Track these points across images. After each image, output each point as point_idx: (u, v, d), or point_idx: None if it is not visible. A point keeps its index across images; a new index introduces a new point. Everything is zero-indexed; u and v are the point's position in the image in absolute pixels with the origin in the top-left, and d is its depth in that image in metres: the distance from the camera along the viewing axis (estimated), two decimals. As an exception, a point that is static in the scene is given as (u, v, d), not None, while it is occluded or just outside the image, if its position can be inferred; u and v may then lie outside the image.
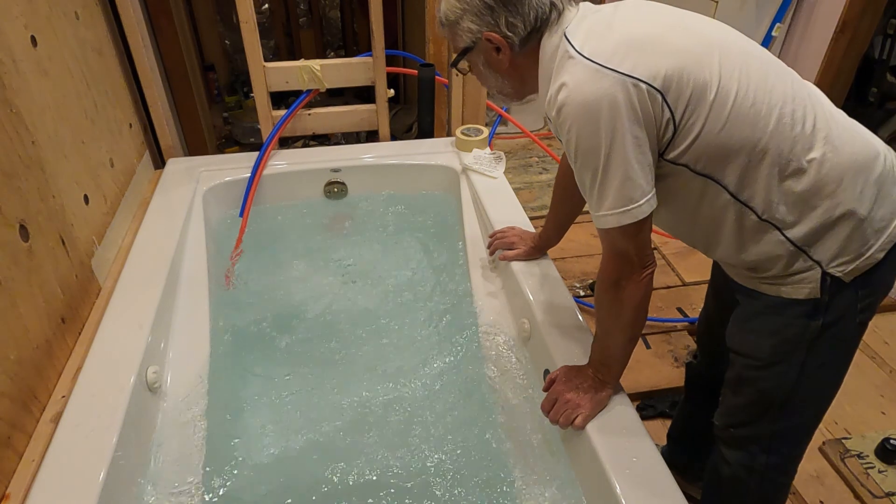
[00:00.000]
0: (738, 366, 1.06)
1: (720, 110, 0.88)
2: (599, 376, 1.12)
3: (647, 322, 1.60)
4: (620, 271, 0.99)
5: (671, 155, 0.92)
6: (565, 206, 1.40)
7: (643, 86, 0.86)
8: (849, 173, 0.89)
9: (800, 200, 0.90)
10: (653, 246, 1.02)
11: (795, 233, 0.92)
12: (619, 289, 1.00)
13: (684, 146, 0.90)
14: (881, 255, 0.91)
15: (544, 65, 0.99)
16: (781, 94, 0.90)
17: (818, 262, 0.92)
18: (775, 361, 0.99)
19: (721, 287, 1.16)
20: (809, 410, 1.06)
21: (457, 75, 1.15)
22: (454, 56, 1.08)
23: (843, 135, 0.91)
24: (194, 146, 2.23)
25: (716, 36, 0.93)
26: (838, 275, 0.92)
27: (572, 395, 1.12)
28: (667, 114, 0.88)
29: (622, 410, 1.14)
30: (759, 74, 0.90)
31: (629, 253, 0.96)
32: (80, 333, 1.36)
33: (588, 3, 1.01)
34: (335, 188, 2.06)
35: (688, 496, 1.01)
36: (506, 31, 0.98)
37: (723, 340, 1.09)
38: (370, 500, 1.22)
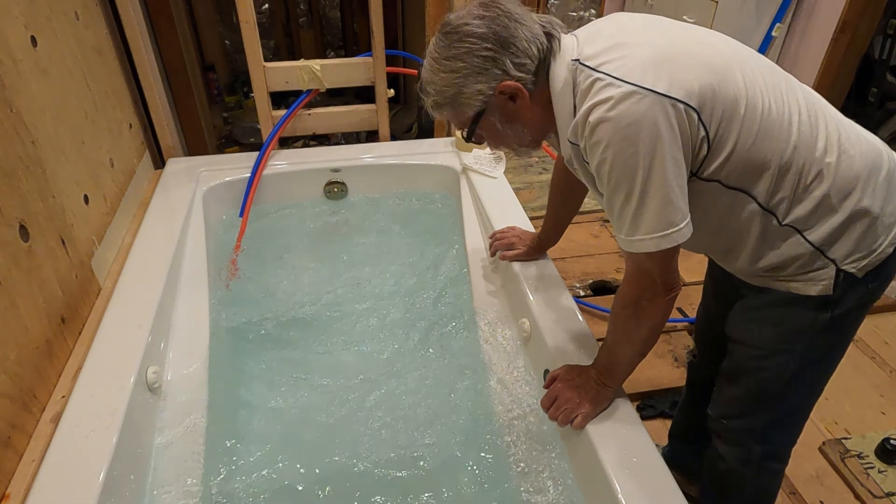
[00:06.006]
0: (737, 356, 1.06)
1: (751, 124, 0.88)
2: (602, 379, 1.12)
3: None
4: (642, 293, 0.97)
5: (705, 173, 0.91)
6: (563, 206, 1.40)
7: (681, 105, 0.84)
8: (863, 173, 0.90)
9: (820, 203, 0.91)
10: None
11: (815, 235, 0.92)
12: (638, 309, 0.99)
13: (718, 163, 0.89)
14: (891, 249, 0.93)
15: (558, 95, 0.95)
16: (795, 101, 0.91)
17: (833, 260, 0.93)
18: (777, 351, 1.00)
19: (722, 283, 1.16)
20: (804, 398, 1.07)
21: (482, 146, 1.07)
22: (463, 130, 1.02)
23: (851, 136, 0.92)
24: (194, 146, 2.23)
25: (729, 49, 0.93)
26: (852, 271, 0.93)
27: (573, 394, 1.12)
28: (702, 132, 0.87)
29: (622, 410, 1.14)
30: (773, 84, 0.91)
31: (654, 275, 0.95)
32: (80, 333, 1.36)
33: (584, 28, 0.99)
34: (335, 188, 2.06)
35: (688, 496, 1.01)
36: (517, 73, 0.93)
37: (724, 335, 1.10)
38: (370, 499, 1.22)
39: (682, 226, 0.89)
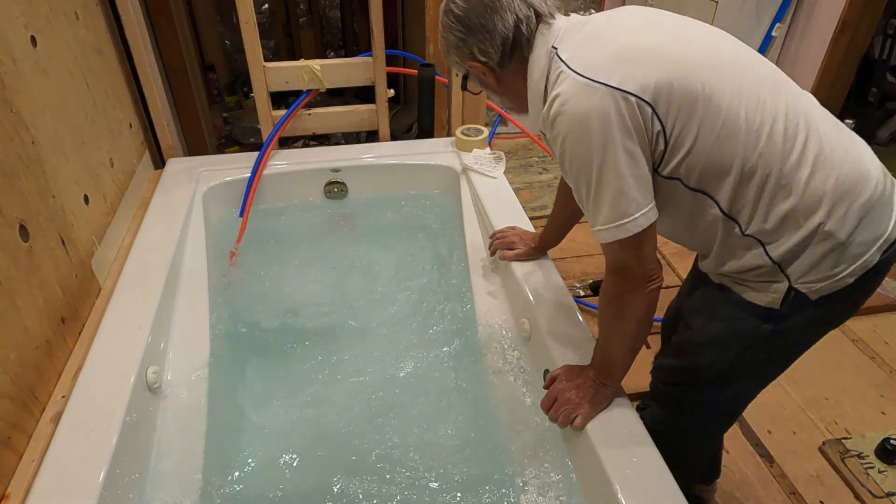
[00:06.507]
0: (683, 334, 1.10)
1: (712, 124, 0.87)
2: (601, 379, 1.12)
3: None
4: (622, 285, 0.98)
5: (665, 170, 0.92)
6: (567, 209, 1.40)
7: (633, 99, 0.86)
8: (834, 196, 0.88)
9: (785, 219, 0.89)
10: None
11: (776, 249, 0.91)
12: (621, 303, 0.99)
13: (677, 160, 0.90)
14: (851, 279, 0.91)
15: (533, 83, 1.00)
16: (773, 109, 0.88)
17: (787, 277, 0.92)
18: (716, 343, 1.02)
19: (699, 278, 1.16)
20: (737, 393, 1.10)
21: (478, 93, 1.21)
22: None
23: (834, 156, 0.89)
24: (194, 146, 2.23)
25: (711, 46, 0.92)
26: (804, 291, 0.92)
27: (572, 394, 1.13)
28: (657, 126, 0.87)
29: (622, 410, 1.14)
30: (751, 88, 0.89)
31: (631, 266, 0.95)
32: (80, 333, 1.36)
33: (580, 16, 1.01)
34: (335, 188, 2.06)
35: (688, 496, 1.01)
36: (481, 57, 1.01)
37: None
38: (370, 500, 1.22)
39: (636, 216, 0.90)
